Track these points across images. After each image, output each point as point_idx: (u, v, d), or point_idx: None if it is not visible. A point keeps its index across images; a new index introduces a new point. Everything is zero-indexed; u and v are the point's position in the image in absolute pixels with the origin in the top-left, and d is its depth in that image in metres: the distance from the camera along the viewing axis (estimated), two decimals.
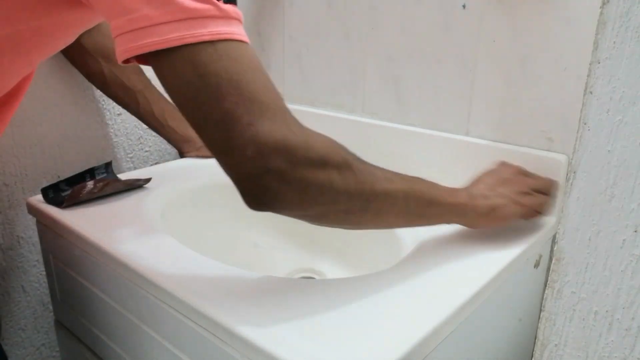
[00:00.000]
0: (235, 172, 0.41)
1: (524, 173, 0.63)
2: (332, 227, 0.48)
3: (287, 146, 0.41)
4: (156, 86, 0.88)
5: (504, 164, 0.65)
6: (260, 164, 0.40)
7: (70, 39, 0.57)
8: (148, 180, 0.77)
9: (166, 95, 0.91)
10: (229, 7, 0.43)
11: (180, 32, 0.40)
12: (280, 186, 0.41)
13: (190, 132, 0.91)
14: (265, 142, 0.40)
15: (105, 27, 0.85)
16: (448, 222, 0.55)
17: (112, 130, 0.93)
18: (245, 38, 0.43)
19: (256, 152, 0.40)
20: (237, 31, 0.43)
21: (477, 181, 0.61)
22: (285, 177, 0.41)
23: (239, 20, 0.44)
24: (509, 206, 0.56)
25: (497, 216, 0.56)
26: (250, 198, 0.42)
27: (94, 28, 0.81)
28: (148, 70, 0.88)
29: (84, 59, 0.82)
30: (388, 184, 0.48)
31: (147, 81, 0.88)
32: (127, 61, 0.43)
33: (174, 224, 0.68)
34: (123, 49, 0.41)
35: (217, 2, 0.42)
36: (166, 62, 0.41)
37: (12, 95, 0.61)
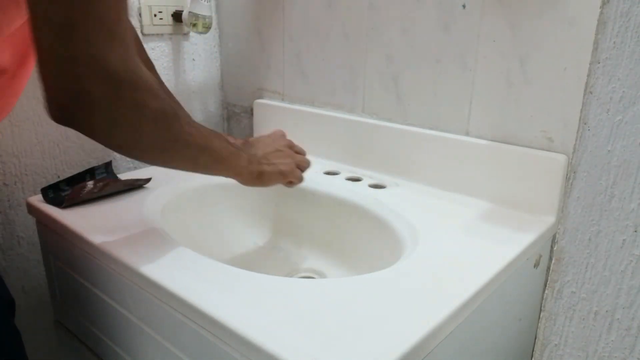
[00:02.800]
0: (56, 80, 0.41)
1: (293, 147, 0.76)
2: (124, 153, 0.50)
3: (117, 79, 0.42)
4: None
5: (279, 133, 0.78)
6: (86, 83, 0.41)
7: None
8: (148, 180, 0.77)
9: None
10: None
11: None
12: (94, 111, 0.42)
13: None
14: (99, 67, 0.41)
15: None
16: (226, 176, 0.63)
17: None
18: None
19: (86, 72, 0.41)
20: None
21: (256, 142, 0.73)
22: (102, 104, 0.42)
23: None
24: (273, 174, 0.68)
25: (262, 179, 0.67)
26: (58, 110, 0.43)
27: None
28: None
29: None
30: (189, 137, 0.52)
31: (156, 76, 0.87)
32: None
33: (174, 224, 0.68)
34: None
35: None
36: None
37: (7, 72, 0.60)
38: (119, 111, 0.44)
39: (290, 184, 0.72)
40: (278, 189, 0.83)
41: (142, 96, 0.45)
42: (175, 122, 0.50)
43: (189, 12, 0.92)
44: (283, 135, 0.79)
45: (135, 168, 0.97)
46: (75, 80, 0.41)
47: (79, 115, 0.43)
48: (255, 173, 0.65)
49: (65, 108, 0.42)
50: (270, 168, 0.68)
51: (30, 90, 0.81)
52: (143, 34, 0.94)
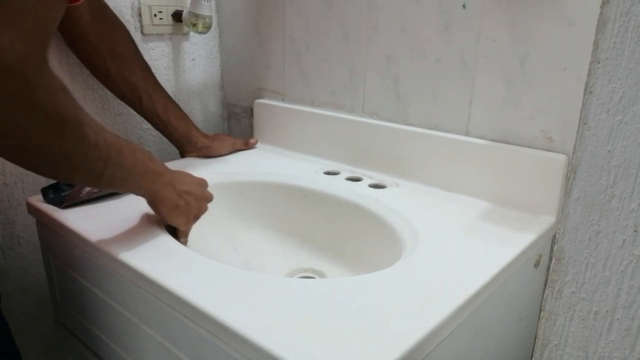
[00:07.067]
0: None
1: (208, 201, 0.68)
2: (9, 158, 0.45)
3: (19, 78, 0.38)
4: (160, 83, 0.88)
5: (205, 182, 0.70)
6: None
7: None
8: None
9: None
10: None
11: None
12: None
13: (192, 132, 0.91)
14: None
15: (111, 22, 0.84)
16: (137, 194, 0.58)
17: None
18: None
19: None
20: None
21: (183, 174, 0.65)
22: None
23: None
24: (181, 216, 0.63)
25: (173, 214, 0.61)
26: None
27: (98, 23, 0.80)
28: (151, 67, 0.88)
29: (89, 55, 0.82)
30: (91, 149, 0.47)
31: (152, 78, 0.87)
32: None
33: None
34: None
35: None
36: None
37: None
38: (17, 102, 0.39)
39: (183, 234, 0.66)
40: (279, 188, 0.83)
41: (35, 96, 0.40)
42: (74, 131, 0.45)
43: (189, 12, 0.92)
44: (206, 184, 0.70)
45: None
46: None
47: None
48: (171, 202, 0.60)
49: None
50: (185, 207, 0.62)
51: None
52: (143, 34, 0.94)
